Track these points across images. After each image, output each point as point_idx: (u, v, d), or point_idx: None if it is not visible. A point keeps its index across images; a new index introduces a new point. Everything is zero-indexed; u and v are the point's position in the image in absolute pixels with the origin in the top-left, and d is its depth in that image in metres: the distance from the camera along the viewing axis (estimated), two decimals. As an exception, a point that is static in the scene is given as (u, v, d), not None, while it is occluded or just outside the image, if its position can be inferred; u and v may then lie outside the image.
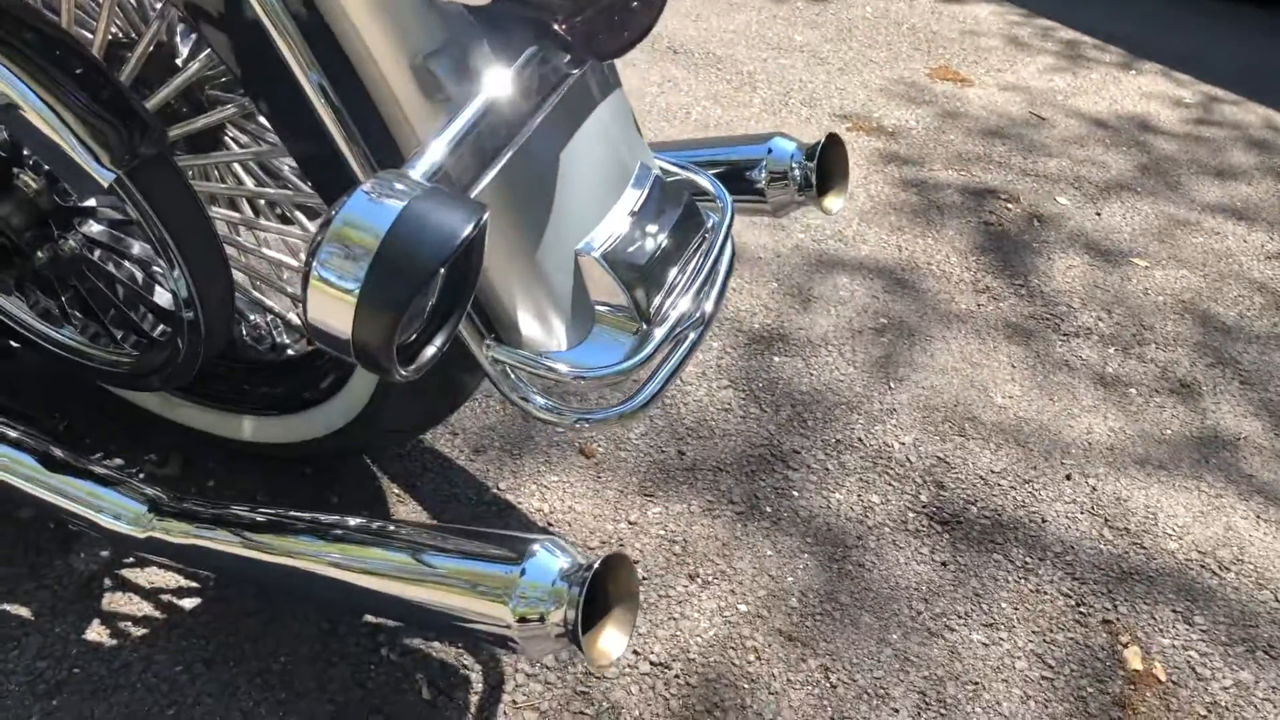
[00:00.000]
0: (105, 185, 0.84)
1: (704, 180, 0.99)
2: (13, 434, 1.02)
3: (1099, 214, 2.14)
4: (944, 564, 1.27)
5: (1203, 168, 2.41)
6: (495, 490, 1.30)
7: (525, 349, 0.85)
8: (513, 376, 0.86)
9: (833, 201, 1.11)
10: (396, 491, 1.27)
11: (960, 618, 1.20)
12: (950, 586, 1.24)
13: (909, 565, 1.27)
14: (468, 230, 0.57)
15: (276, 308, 1.19)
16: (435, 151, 0.64)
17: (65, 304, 1.07)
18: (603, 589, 0.78)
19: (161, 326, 1.05)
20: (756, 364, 1.56)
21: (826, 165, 1.10)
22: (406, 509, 1.25)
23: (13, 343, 1.13)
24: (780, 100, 2.48)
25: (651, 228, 0.88)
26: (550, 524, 1.26)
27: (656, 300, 0.87)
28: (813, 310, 1.71)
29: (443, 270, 0.58)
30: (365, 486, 1.27)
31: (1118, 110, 2.66)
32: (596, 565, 0.76)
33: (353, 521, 0.89)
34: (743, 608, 1.19)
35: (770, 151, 1.10)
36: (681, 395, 1.49)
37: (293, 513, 0.91)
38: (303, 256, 1.18)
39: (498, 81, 0.69)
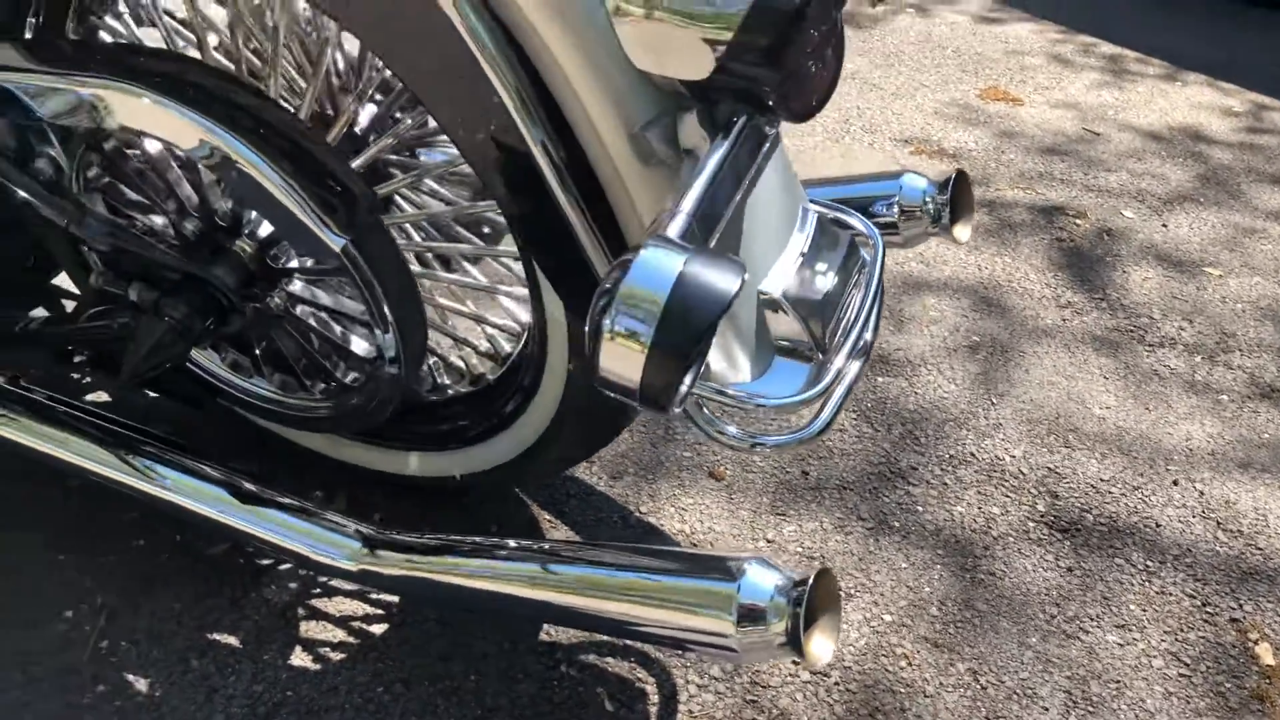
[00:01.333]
0: (336, 250, 0.93)
1: (854, 219, 1.07)
2: (218, 474, 1.11)
3: (1165, 225, 2.21)
4: (1069, 569, 1.34)
5: (1260, 175, 2.47)
6: (638, 514, 1.37)
7: (714, 381, 0.93)
8: (705, 409, 0.94)
9: (961, 231, 1.18)
10: (548, 518, 1.35)
11: (1093, 620, 1.27)
12: (1079, 591, 1.31)
13: (1036, 572, 1.33)
14: (737, 286, 0.65)
15: (439, 350, 1.27)
16: (683, 215, 0.72)
17: (259, 357, 1.16)
18: (810, 598, 0.85)
19: (353, 374, 1.14)
20: (864, 385, 1.64)
21: (955, 197, 1.18)
22: (560, 533, 1.33)
23: (206, 394, 1.22)
24: (841, 128, 2.57)
25: (820, 266, 0.96)
26: (694, 543, 1.34)
27: (828, 333, 0.95)
28: (908, 331, 1.79)
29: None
30: (519, 515, 1.35)
31: (1169, 122, 2.73)
32: (811, 579, 0.83)
33: (562, 547, 0.97)
34: (887, 617, 1.26)
35: (902, 188, 1.18)
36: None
37: (505, 540, 0.99)
38: (470, 305, 1.27)
39: (719, 147, 0.78)
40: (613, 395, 0.69)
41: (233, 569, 1.24)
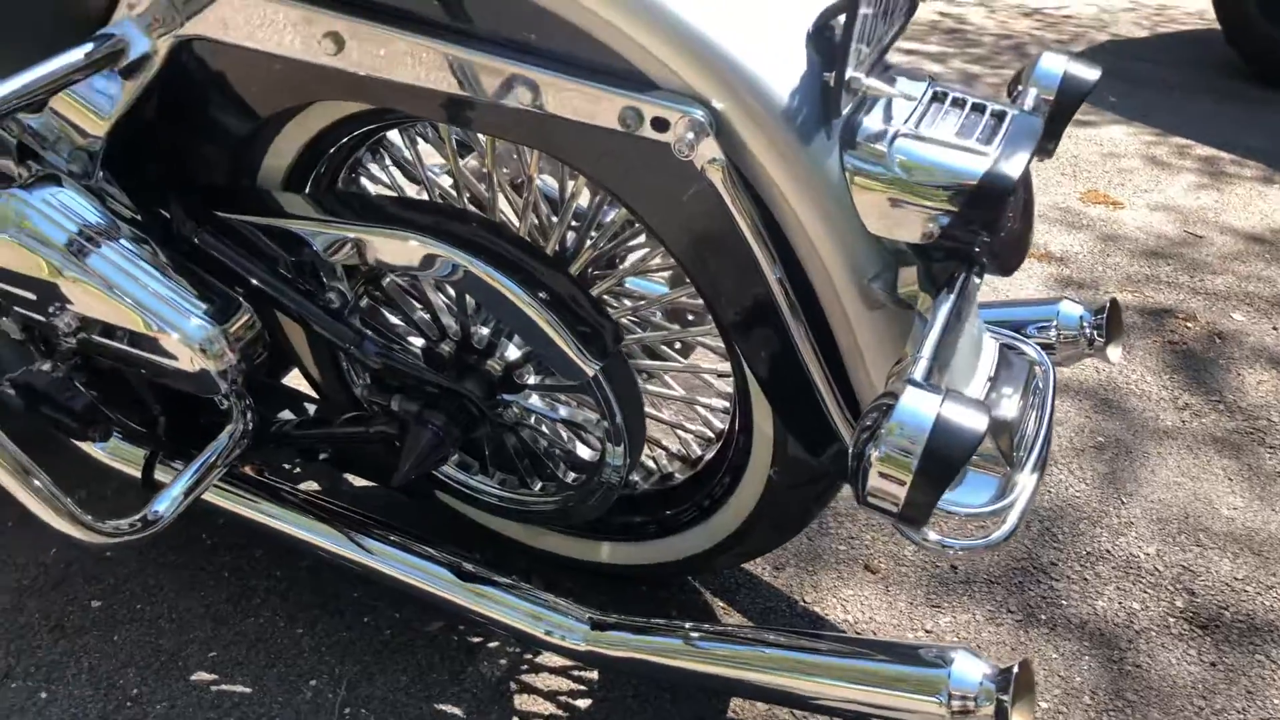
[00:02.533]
0: (590, 375, 1.09)
1: (1026, 346, 1.20)
2: (451, 557, 1.26)
3: (1276, 328, 2.30)
4: (1212, 664, 1.43)
5: (1364, 279, 2.55)
6: (803, 603, 1.50)
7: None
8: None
9: (1114, 352, 1.31)
10: (721, 605, 1.48)
11: (1239, 713, 1.36)
12: (1223, 684, 1.40)
13: (1180, 665, 1.43)
14: (985, 425, 0.79)
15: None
16: (925, 360, 0.87)
17: (487, 457, 1.33)
18: (1015, 686, 0.97)
19: (574, 475, 1.29)
20: (999, 483, 1.75)
21: (1108, 322, 1.31)
22: (734, 620, 1.46)
23: (430, 488, 1.39)
24: (950, 230, 2.71)
25: (1005, 389, 1.10)
26: (859, 632, 1.46)
27: (1013, 448, 1.08)
28: (1035, 431, 1.90)
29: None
30: (694, 601, 1.49)
31: (1270, 225, 2.83)
32: (1016, 669, 0.95)
33: (777, 633, 1.10)
34: (1044, 704, 1.36)
35: (1059, 315, 1.31)
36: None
37: (720, 627, 1.13)
38: (665, 412, 1.42)
39: (945, 300, 0.92)
40: (871, 510, 0.83)
41: (449, 646, 1.38)
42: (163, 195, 1.21)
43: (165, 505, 1.11)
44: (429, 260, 1.09)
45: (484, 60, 0.95)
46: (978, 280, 0.99)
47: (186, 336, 1.13)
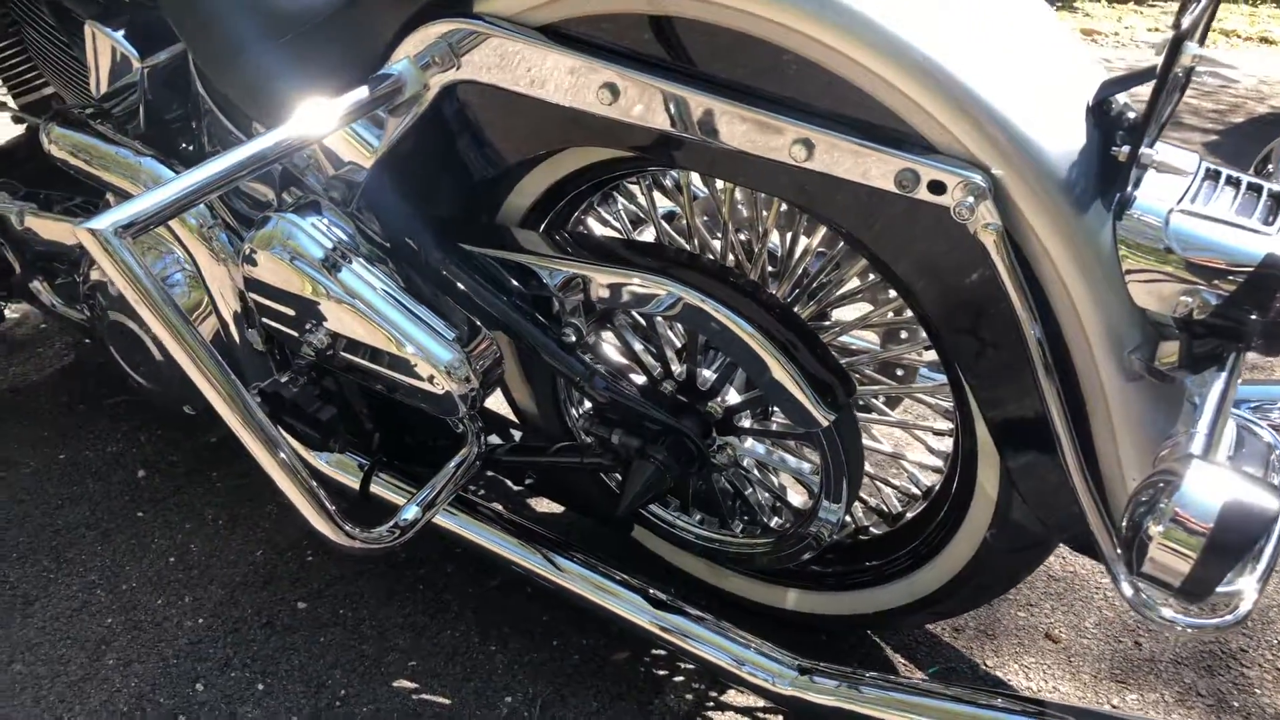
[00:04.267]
0: (824, 425, 1.11)
1: (1261, 429, 1.18)
2: (664, 597, 1.29)
3: None
4: None
5: None
6: (984, 666, 1.48)
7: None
8: (1144, 594, 1.06)
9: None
10: (901, 661, 1.48)
11: None
12: None
13: (1389, 770, 1.37)
14: (1278, 506, 0.79)
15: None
16: (1203, 436, 0.87)
17: (691, 496, 1.36)
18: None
19: (778, 520, 1.32)
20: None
21: None
22: (916, 676, 1.45)
23: (629, 520, 1.43)
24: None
25: (1247, 469, 1.08)
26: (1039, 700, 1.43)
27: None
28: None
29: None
30: (874, 656, 1.48)
31: None
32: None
33: (993, 694, 1.10)
34: (1245, 796, 1.32)
35: (1294, 397, 1.29)
36: (1121, 588, 1.65)
37: (933, 684, 1.13)
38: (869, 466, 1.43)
39: (1217, 377, 0.92)
40: (1147, 582, 0.83)
41: (636, 676, 1.41)
42: (411, 225, 1.29)
43: (413, 514, 1.16)
44: (674, 304, 1.13)
45: (762, 116, 0.99)
46: (1242, 358, 0.99)
47: (435, 359, 1.20)
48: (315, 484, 1.06)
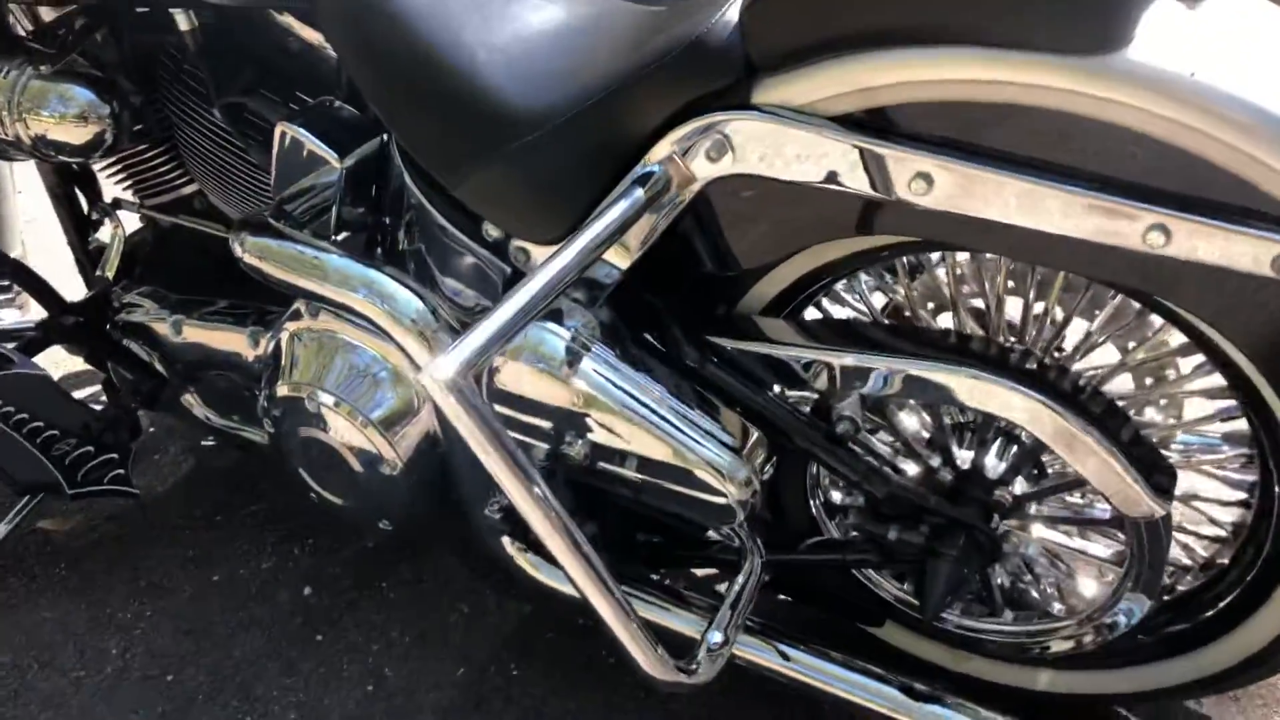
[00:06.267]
0: (1157, 517, 1.06)
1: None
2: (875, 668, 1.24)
3: None
4: None
5: None
6: (1236, 734, 1.43)
7: None
8: None
9: None
10: (1155, 734, 1.43)
11: None
12: None
13: None
14: None
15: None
16: None
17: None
18: None
19: (1059, 607, 1.26)
20: None
21: None
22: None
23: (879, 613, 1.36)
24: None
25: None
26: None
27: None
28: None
29: None
30: (1124, 731, 1.43)
31: None
32: None
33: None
34: None
35: None
36: None
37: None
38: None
39: None
40: None
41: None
42: (659, 320, 1.22)
43: (717, 638, 1.08)
44: (986, 395, 1.07)
45: (1106, 203, 0.93)
46: None
47: (714, 465, 1.13)
48: (642, 622, 0.98)
